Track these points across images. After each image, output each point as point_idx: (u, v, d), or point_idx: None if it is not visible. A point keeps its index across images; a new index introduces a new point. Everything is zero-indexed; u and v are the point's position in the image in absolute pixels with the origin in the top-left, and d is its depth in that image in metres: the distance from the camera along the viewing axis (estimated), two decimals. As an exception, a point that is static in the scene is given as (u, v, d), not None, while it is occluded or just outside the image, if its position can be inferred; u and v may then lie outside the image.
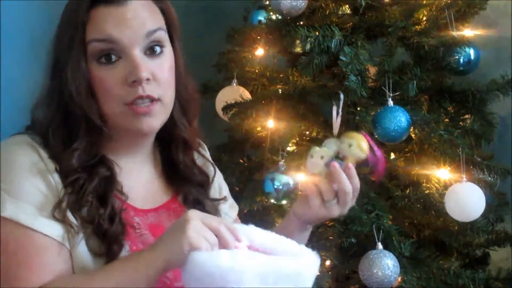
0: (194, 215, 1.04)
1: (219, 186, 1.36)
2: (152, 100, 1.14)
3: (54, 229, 1.08)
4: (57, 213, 1.09)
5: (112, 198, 1.14)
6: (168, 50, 1.18)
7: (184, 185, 1.27)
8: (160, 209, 1.23)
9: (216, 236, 1.03)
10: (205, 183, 1.30)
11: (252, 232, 1.08)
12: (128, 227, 1.14)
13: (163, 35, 1.17)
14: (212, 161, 1.37)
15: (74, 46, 1.13)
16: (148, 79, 1.13)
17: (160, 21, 1.18)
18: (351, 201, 1.21)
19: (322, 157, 1.19)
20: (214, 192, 1.34)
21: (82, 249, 1.10)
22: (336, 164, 1.16)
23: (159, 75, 1.15)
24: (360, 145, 1.17)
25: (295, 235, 1.25)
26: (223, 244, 1.03)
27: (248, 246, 1.06)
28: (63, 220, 1.09)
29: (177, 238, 1.02)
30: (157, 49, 1.16)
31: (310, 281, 1.06)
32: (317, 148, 1.21)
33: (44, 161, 1.12)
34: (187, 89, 1.24)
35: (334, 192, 1.19)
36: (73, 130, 1.15)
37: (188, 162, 1.28)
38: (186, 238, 1.01)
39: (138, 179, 1.22)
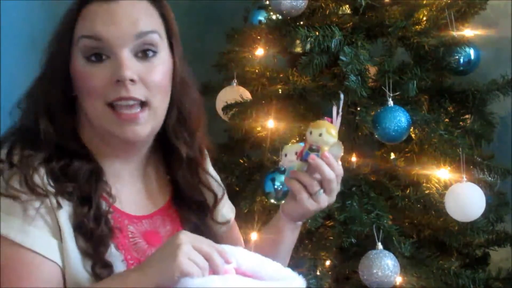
0: (185, 239, 1.02)
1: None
2: (141, 104, 1.11)
3: (42, 243, 1.07)
4: (37, 181, 1.07)
5: (98, 198, 1.13)
6: (163, 55, 1.15)
7: (180, 190, 1.26)
8: (155, 215, 1.22)
9: (207, 260, 1.02)
10: (206, 205, 1.29)
11: (240, 254, 1.08)
12: (121, 236, 1.14)
13: (157, 39, 1.14)
14: (216, 178, 1.34)
15: (63, 40, 1.13)
16: (132, 80, 1.10)
17: (156, 25, 1.15)
18: (337, 187, 1.21)
19: (296, 153, 1.19)
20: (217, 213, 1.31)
21: (70, 244, 1.09)
22: (314, 156, 1.16)
23: (148, 78, 1.12)
24: (329, 131, 1.17)
25: (285, 233, 1.26)
26: (213, 268, 1.02)
27: (236, 269, 1.06)
28: (41, 191, 1.07)
29: (167, 262, 1.01)
30: (150, 53, 1.13)
31: None
32: (288, 146, 1.22)
33: (39, 173, 1.10)
34: (188, 98, 1.21)
35: (318, 183, 1.18)
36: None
37: (190, 180, 1.26)
38: (177, 264, 0.99)
39: (131, 185, 1.21)
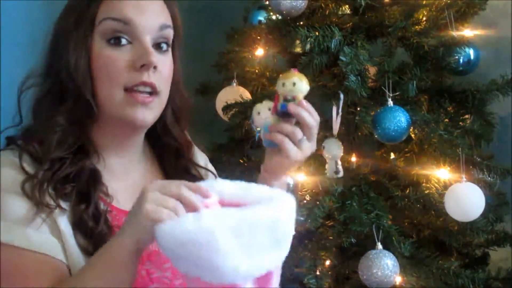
0: (151, 187, 0.98)
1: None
2: (153, 92, 1.14)
3: (38, 242, 1.07)
4: (27, 188, 1.07)
5: (97, 198, 1.13)
6: (170, 53, 1.19)
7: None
8: None
9: (181, 201, 0.97)
10: None
11: (220, 186, 1.03)
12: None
13: (171, 35, 1.18)
14: (212, 171, 1.36)
15: (83, 21, 1.12)
16: (155, 67, 1.13)
17: (170, 21, 1.19)
18: (316, 133, 1.21)
19: (269, 109, 1.19)
20: None
21: (70, 242, 1.10)
22: (292, 105, 1.15)
23: (163, 70, 1.16)
24: (302, 79, 1.16)
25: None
26: (189, 207, 0.97)
27: (220, 202, 1.00)
28: (32, 197, 1.07)
29: (137, 215, 0.97)
30: (164, 46, 1.17)
31: (290, 225, 1.00)
32: (259, 104, 1.21)
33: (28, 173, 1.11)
34: (181, 97, 1.25)
35: (300, 131, 1.18)
36: (63, 107, 1.14)
37: (179, 167, 1.28)
38: (144, 213, 0.96)
39: (126, 180, 1.22)
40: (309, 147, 1.20)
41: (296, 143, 1.18)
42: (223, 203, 1.01)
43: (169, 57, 1.19)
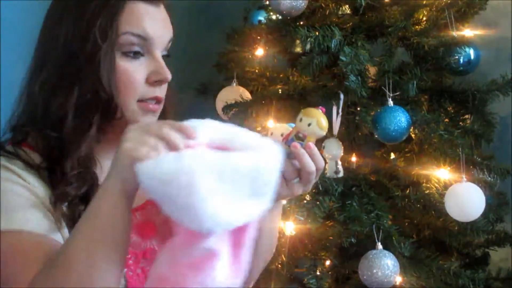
0: (133, 127, 0.96)
1: None
2: (157, 101, 1.17)
3: (34, 223, 1.06)
4: (42, 208, 1.07)
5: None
6: None
7: None
8: (147, 204, 1.21)
9: (162, 141, 0.93)
10: None
11: (209, 127, 0.98)
12: None
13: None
14: None
15: (109, 34, 1.12)
16: None
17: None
18: (315, 180, 1.15)
19: (282, 134, 1.16)
20: None
21: None
22: (297, 145, 1.11)
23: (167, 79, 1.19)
24: (320, 122, 1.13)
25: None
26: (171, 147, 0.93)
27: (208, 144, 0.95)
28: (46, 215, 1.07)
29: (118, 155, 0.95)
30: (165, 56, 1.19)
31: (272, 176, 0.95)
32: (277, 125, 1.21)
33: (24, 179, 1.10)
34: (168, 96, 1.26)
35: (296, 171, 1.12)
36: (86, 118, 1.13)
37: None
38: (123, 151, 0.93)
39: None
40: (300, 189, 1.15)
41: (288, 181, 1.13)
42: (208, 146, 0.95)
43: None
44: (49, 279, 0.96)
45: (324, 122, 1.13)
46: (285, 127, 1.17)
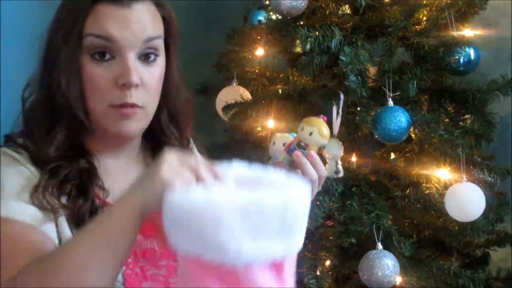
0: (170, 153, 0.98)
1: None
2: (136, 106, 1.14)
3: (26, 214, 1.07)
4: (35, 198, 1.08)
5: (93, 194, 1.14)
6: (161, 59, 1.18)
7: None
8: None
9: (194, 172, 0.97)
10: None
11: (236, 170, 1.02)
12: None
13: (160, 44, 1.17)
14: None
15: (71, 37, 1.12)
16: (137, 85, 1.12)
17: (160, 29, 1.18)
18: (317, 188, 1.17)
19: (284, 144, 1.16)
20: None
21: (68, 235, 1.10)
22: (299, 153, 1.12)
23: (148, 83, 1.15)
24: (321, 131, 1.13)
25: None
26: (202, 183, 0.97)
27: (236, 182, 1.00)
28: (40, 204, 1.08)
29: (150, 177, 0.97)
30: (152, 56, 1.16)
31: (302, 213, 0.97)
32: (279, 134, 1.19)
33: (25, 166, 1.12)
34: (179, 100, 1.24)
35: None
36: (56, 119, 1.15)
37: None
38: (159, 175, 0.95)
39: (124, 180, 1.20)
40: None
41: None
42: (236, 183, 1.00)
43: (158, 66, 1.17)
44: (39, 272, 0.97)
45: (325, 130, 1.13)
46: (287, 137, 1.17)
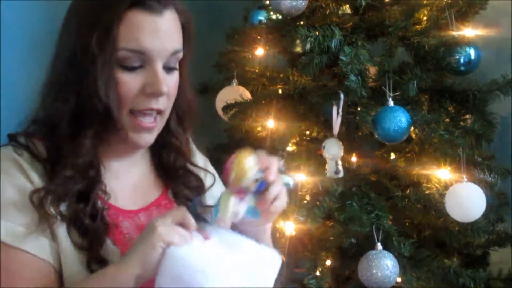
0: (159, 217, 1.05)
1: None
2: (158, 113, 1.16)
3: (35, 245, 1.08)
4: (35, 199, 1.09)
5: (95, 197, 1.14)
6: (178, 67, 1.20)
7: (173, 180, 1.28)
8: (151, 206, 1.23)
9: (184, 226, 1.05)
10: (196, 188, 1.30)
11: (219, 231, 1.09)
12: (117, 232, 1.15)
13: (181, 55, 1.19)
14: (212, 172, 1.35)
15: (106, 47, 1.11)
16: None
17: (181, 39, 1.18)
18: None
19: (232, 201, 1.12)
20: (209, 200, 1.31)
21: (65, 243, 1.11)
22: (269, 174, 1.10)
23: (171, 91, 1.17)
24: (244, 159, 1.10)
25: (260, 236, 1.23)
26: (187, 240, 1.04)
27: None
28: (39, 208, 1.09)
29: (148, 239, 1.02)
30: (173, 65, 1.17)
31: (271, 281, 1.08)
32: (223, 201, 1.12)
33: (27, 173, 1.12)
34: (187, 101, 1.25)
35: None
36: (84, 126, 1.14)
37: (178, 165, 1.28)
38: (157, 235, 1.01)
39: (126, 180, 1.22)
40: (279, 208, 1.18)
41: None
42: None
43: (176, 74, 1.19)
44: None
45: (245, 157, 1.10)
46: (228, 197, 1.13)
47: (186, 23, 1.19)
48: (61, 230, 1.11)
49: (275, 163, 1.13)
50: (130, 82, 1.13)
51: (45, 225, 1.10)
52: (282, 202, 1.15)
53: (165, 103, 1.16)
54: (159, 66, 1.14)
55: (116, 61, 1.12)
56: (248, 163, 1.09)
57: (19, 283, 1.07)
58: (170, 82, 1.16)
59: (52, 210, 1.10)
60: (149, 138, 1.18)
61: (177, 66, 1.19)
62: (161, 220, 1.04)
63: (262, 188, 1.11)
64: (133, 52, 1.12)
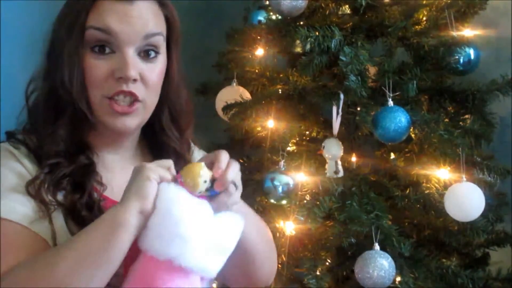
0: (145, 162, 1.08)
1: None
2: (134, 100, 1.15)
3: (18, 213, 1.09)
4: (31, 189, 1.10)
5: (91, 188, 1.15)
6: (162, 57, 1.20)
7: None
8: None
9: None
10: None
11: None
12: None
13: (161, 41, 1.19)
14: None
15: (74, 31, 1.14)
16: (135, 80, 1.14)
17: (161, 27, 1.19)
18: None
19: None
20: None
21: (63, 232, 1.12)
22: (218, 184, 1.13)
23: (148, 79, 1.17)
24: (196, 170, 1.10)
25: None
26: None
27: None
28: (35, 198, 1.10)
29: (141, 174, 1.04)
30: (152, 53, 1.18)
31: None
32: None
33: (24, 165, 1.14)
34: (180, 99, 1.26)
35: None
36: (59, 114, 1.16)
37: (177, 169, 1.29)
38: (148, 169, 1.04)
39: (122, 174, 1.22)
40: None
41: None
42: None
43: (158, 63, 1.19)
44: (29, 272, 1.01)
45: (197, 170, 1.11)
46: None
47: (170, 15, 1.21)
48: (59, 220, 1.12)
49: (223, 163, 1.15)
50: (99, 67, 1.14)
51: (44, 212, 1.11)
52: (234, 199, 1.18)
53: (141, 90, 1.16)
54: (129, 51, 1.14)
55: (87, 44, 1.14)
56: (194, 180, 1.09)
57: (21, 256, 1.06)
58: (146, 69, 1.16)
59: (49, 197, 1.11)
60: (128, 122, 1.17)
61: (159, 56, 1.19)
62: (149, 164, 1.06)
63: (214, 194, 1.12)
64: (98, 31, 1.13)
